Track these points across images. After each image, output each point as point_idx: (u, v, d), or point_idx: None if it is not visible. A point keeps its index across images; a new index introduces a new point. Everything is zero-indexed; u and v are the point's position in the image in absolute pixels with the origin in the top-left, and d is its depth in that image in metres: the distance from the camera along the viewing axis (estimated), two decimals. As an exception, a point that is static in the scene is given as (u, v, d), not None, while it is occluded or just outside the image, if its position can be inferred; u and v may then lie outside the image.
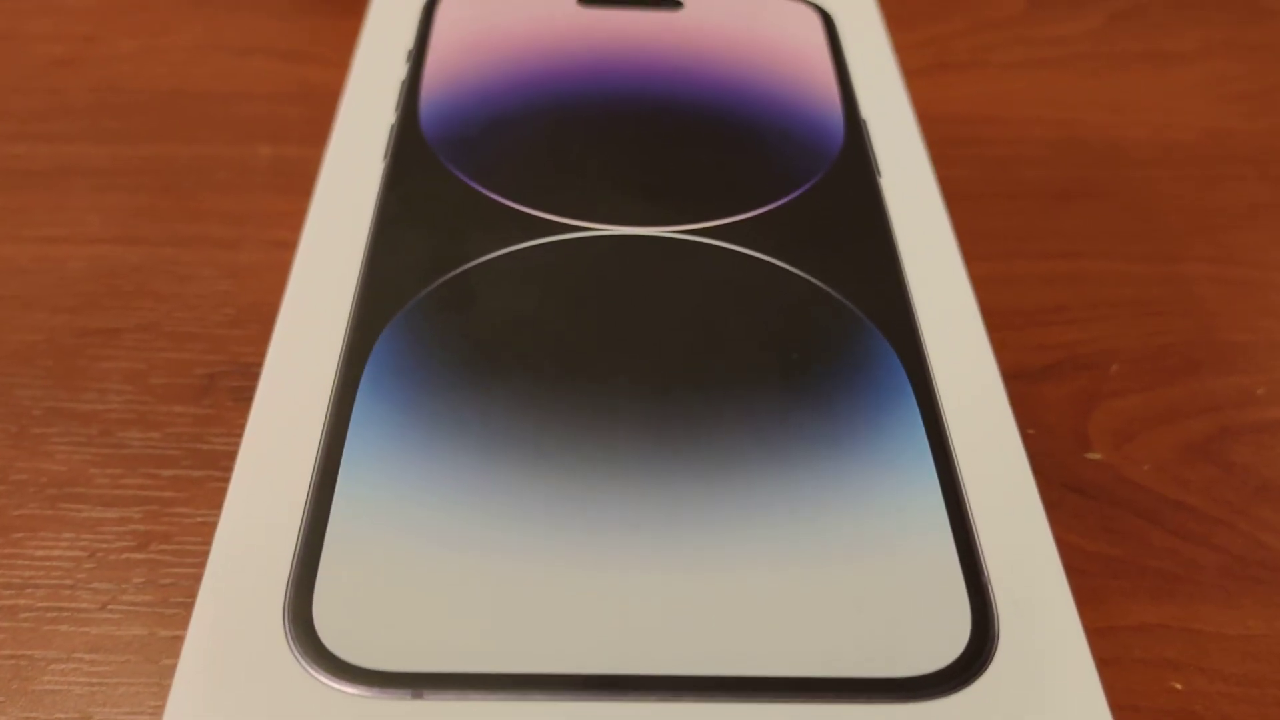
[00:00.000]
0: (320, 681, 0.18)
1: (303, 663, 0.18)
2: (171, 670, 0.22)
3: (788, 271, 0.26)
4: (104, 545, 0.25)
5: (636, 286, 0.25)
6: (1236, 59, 0.43)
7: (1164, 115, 0.40)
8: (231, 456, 0.27)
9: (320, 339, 0.24)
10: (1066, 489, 0.27)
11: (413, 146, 0.29)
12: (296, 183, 0.34)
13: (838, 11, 0.35)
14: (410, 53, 0.32)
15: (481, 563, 0.20)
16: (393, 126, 0.29)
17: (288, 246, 0.33)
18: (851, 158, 0.29)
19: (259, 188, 0.34)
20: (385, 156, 0.28)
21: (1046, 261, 0.34)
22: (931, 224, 0.28)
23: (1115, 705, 0.23)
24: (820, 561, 0.20)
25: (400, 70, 0.31)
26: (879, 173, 0.29)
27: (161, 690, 0.23)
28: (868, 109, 0.31)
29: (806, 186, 0.28)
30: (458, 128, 0.29)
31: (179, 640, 0.24)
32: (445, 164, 0.28)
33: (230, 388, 0.29)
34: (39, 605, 0.24)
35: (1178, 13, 0.45)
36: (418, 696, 0.18)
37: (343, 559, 0.20)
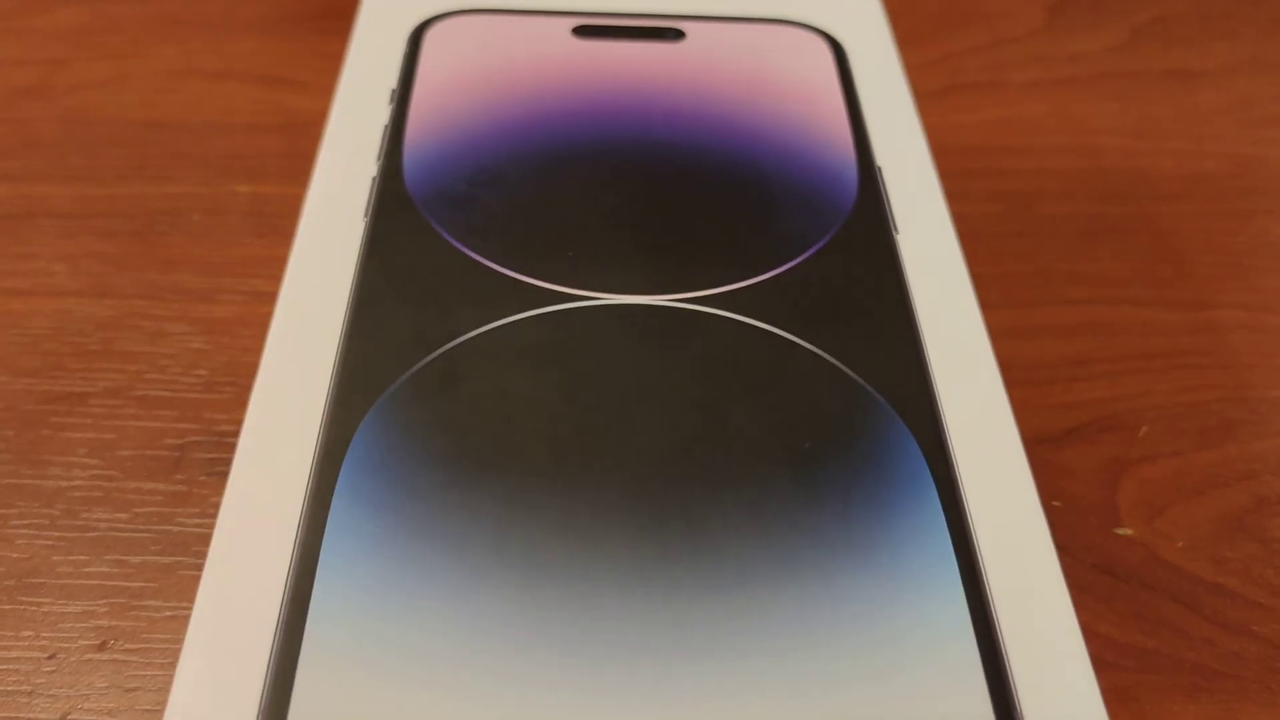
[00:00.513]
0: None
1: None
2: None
3: (798, 346, 0.24)
4: (65, 644, 0.23)
5: (635, 365, 0.24)
6: (1266, 77, 0.40)
7: (1190, 142, 0.38)
8: (204, 540, 0.25)
9: (296, 426, 0.22)
10: (1097, 570, 0.26)
11: (395, 203, 0.27)
12: (275, 224, 0.33)
13: (848, 39, 0.33)
14: (394, 92, 0.30)
15: (468, 688, 0.18)
16: (374, 179, 0.27)
17: (265, 298, 0.31)
18: (866, 213, 0.27)
19: (235, 231, 0.32)
20: (366, 214, 0.26)
21: (1069, 309, 0.32)
22: (951, 286, 0.26)
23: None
24: (835, 686, 0.19)
25: (384, 109, 0.29)
26: (895, 229, 0.27)
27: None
28: (882, 153, 0.29)
29: (818, 246, 0.26)
30: (444, 180, 0.27)
31: (144, 761, 0.22)
32: (430, 222, 0.26)
33: (203, 460, 0.27)
34: (-7, 721, 0.22)
35: (1203, 25, 0.43)
36: None
37: (318, 678, 0.18)
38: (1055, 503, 0.27)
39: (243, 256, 0.32)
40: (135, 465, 0.27)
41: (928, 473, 0.22)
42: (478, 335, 0.24)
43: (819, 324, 0.24)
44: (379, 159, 0.28)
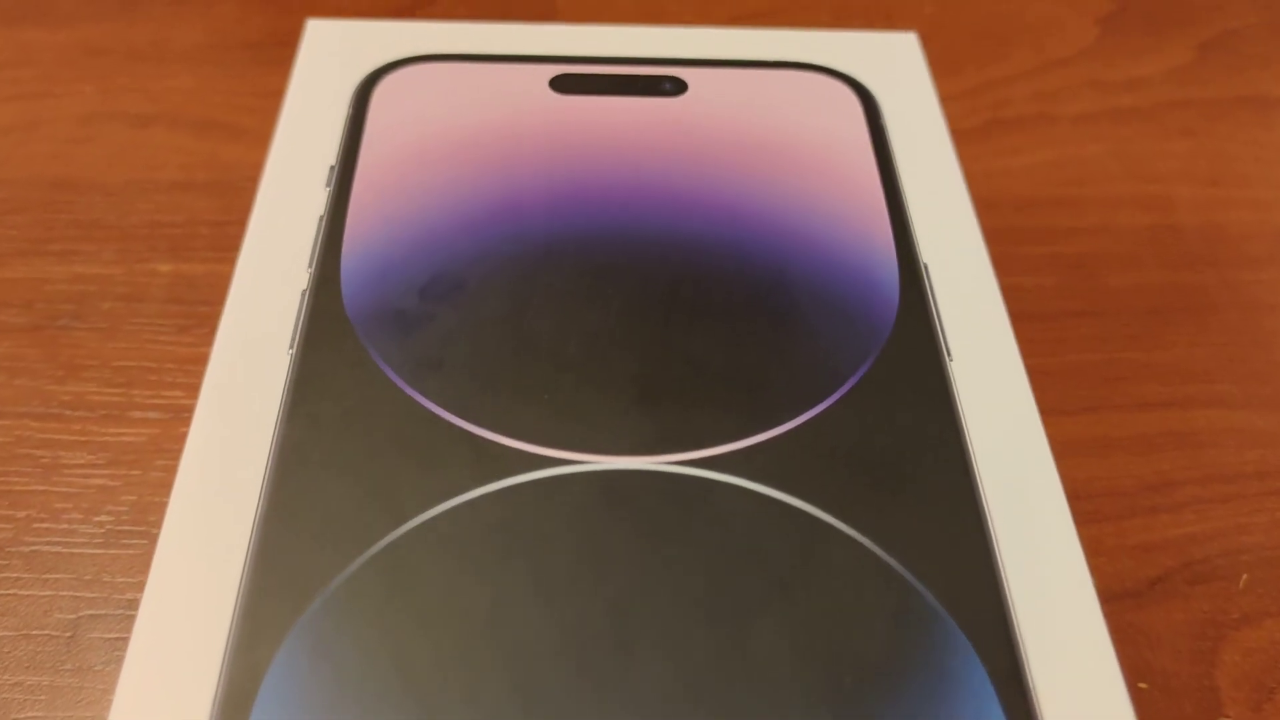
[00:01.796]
0: None
1: None
2: None
3: (832, 529, 0.19)
4: None
5: (630, 556, 0.19)
6: (1355, 107, 0.35)
7: (1273, 189, 0.32)
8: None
9: (192, 663, 0.17)
10: (1196, 781, 0.21)
11: (329, 328, 0.21)
12: (199, 315, 0.27)
13: (880, 86, 0.27)
14: (332, 170, 0.24)
15: None
16: (304, 294, 0.22)
17: (182, 415, 0.26)
18: (910, 332, 0.22)
19: (153, 323, 0.27)
20: (293, 344, 0.21)
21: (1144, 414, 0.26)
22: (1019, 431, 0.21)
23: None
24: None
25: (320, 193, 0.24)
26: (949, 354, 0.21)
27: None
28: (927, 240, 0.24)
29: (852, 382, 0.21)
30: (391, 293, 0.22)
31: None
32: (372, 356, 0.21)
33: (101, 641, 0.22)
34: None
35: (1279, 37, 0.37)
36: None
37: None
38: (1141, 685, 0.22)
39: (160, 357, 0.26)
40: (15, 652, 0.22)
41: (994, 699, 0.17)
42: (430, 519, 0.19)
43: (856, 495, 0.19)
44: (311, 264, 0.22)
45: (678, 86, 0.27)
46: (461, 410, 0.20)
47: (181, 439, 0.25)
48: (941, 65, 0.34)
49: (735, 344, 0.21)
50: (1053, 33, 0.37)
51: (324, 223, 0.23)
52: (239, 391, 0.20)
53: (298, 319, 0.22)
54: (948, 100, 0.34)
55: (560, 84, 0.27)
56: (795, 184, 0.25)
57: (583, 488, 0.19)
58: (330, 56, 0.27)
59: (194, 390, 0.26)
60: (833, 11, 0.37)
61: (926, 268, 0.23)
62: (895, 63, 0.28)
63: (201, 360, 0.27)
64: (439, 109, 0.26)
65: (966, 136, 0.32)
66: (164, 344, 0.27)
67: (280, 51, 0.35)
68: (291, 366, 0.21)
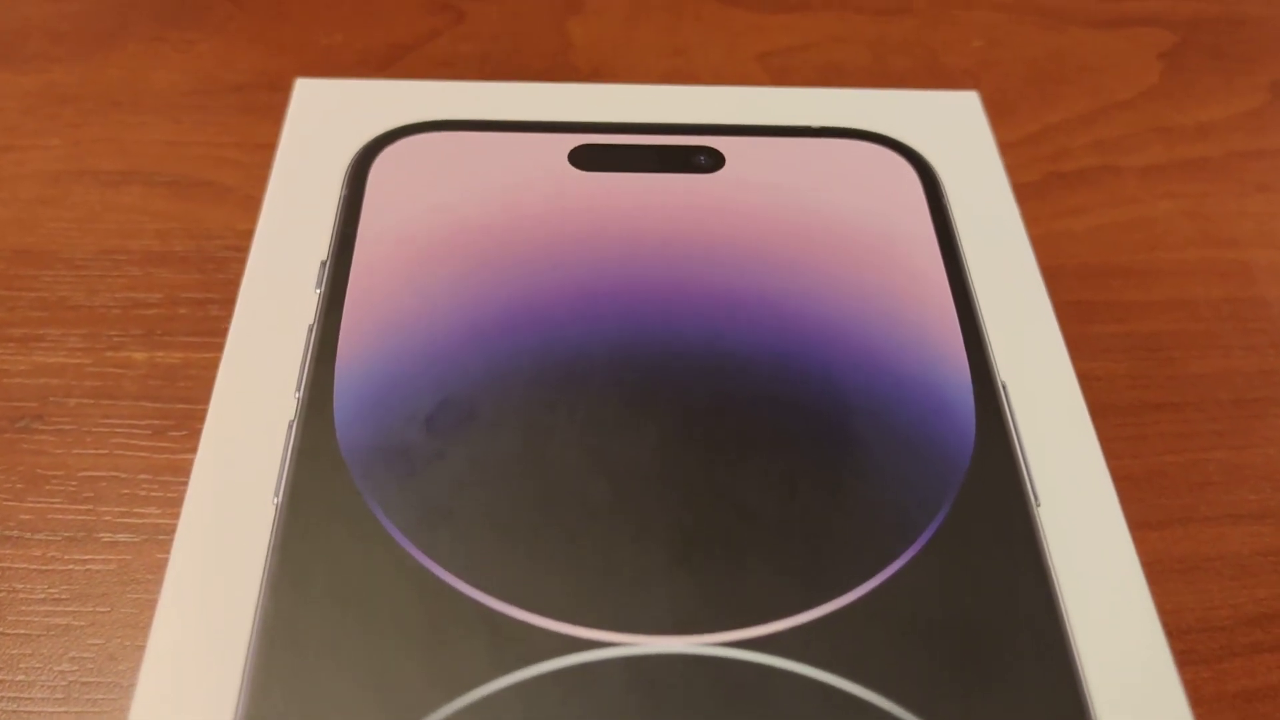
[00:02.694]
0: None
1: None
2: None
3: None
4: None
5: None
6: None
7: (1363, 254, 0.29)
8: None
9: None
10: None
11: (321, 472, 0.18)
12: (176, 414, 0.24)
13: (940, 156, 0.24)
14: (323, 268, 0.21)
15: None
16: (292, 426, 0.19)
17: (157, 537, 0.23)
18: (990, 469, 0.19)
19: (125, 424, 0.24)
20: (277, 493, 0.18)
21: (1236, 527, 0.24)
22: (1122, 590, 0.18)
23: None
24: None
25: (310, 297, 0.21)
26: (1035, 498, 0.18)
27: None
28: (1003, 349, 0.21)
29: (927, 536, 0.18)
30: (392, 428, 0.19)
31: None
32: (371, 508, 0.18)
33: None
34: None
35: (1355, 76, 0.34)
36: None
37: None
38: None
39: (133, 467, 0.24)
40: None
41: None
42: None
43: (936, 683, 0.16)
44: (299, 389, 0.19)
45: (714, 160, 0.24)
46: (475, 576, 0.17)
47: (156, 567, 0.22)
48: (993, 108, 0.31)
49: (789, 487, 0.18)
50: (1111, 71, 0.34)
51: (314, 334, 0.20)
52: (216, 552, 0.18)
53: (284, 459, 0.19)
54: (1003, 147, 0.31)
55: (581, 158, 0.24)
56: (851, 280, 0.22)
57: (617, 679, 0.16)
58: (322, 122, 0.24)
59: (170, 506, 0.23)
60: (870, 46, 0.34)
61: (1005, 387, 0.20)
62: (955, 127, 0.25)
63: (180, 469, 0.24)
64: (444, 191, 0.23)
65: (1023, 193, 0.29)
66: (137, 450, 0.24)
67: (269, 96, 0.31)
68: (277, 522, 0.18)
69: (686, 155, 0.24)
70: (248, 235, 0.24)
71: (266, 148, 0.28)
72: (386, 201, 0.23)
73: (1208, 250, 0.29)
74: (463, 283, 0.21)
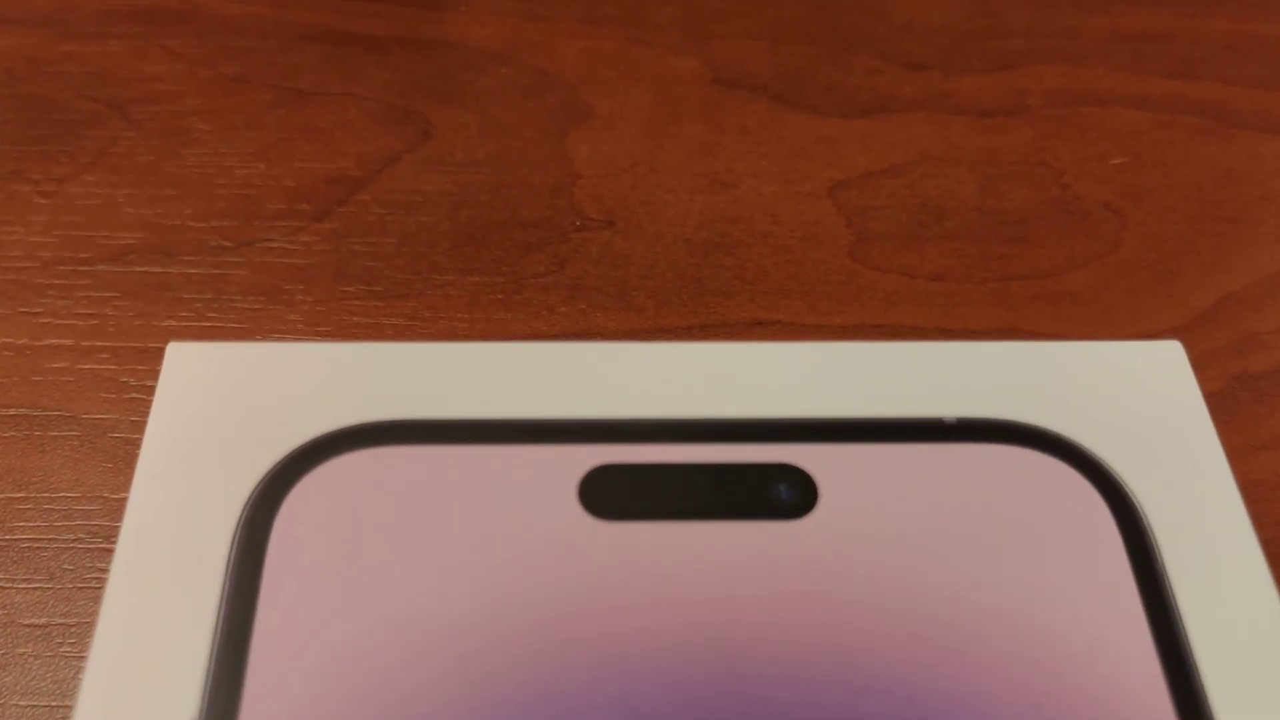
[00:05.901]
0: None
1: None
2: None
3: None
4: None
5: None
6: None
7: None
8: None
9: None
10: None
11: None
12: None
13: (1139, 465, 0.16)
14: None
15: None
16: None
17: None
18: None
19: None
20: None
21: None
22: None
23: None
24: None
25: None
26: None
27: None
28: None
29: None
30: None
31: None
32: None
33: None
34: None
35: None
36: None
37: None
38: None
39: None
40: None
41: None
42: None
43: None
44: None
45: (801, 493, 0.15)
46: None
47: None
48: (1149, 272, 0.22)
49: None
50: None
51: None
52: None
53: None
54: (1162, 338, 0.22)
55: (598, 492, 0.15)
56: (1015, 694, 0.14)
57: None
58: (202, 421, 0.16)
59: None
60: (975, 168, 0.25)
61: None
62: (1149, 402, 0.17)
63: None
64: (387, 565, 0.15)
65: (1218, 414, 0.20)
66: None
67: (160, 269, 0.23)
68: None
69: (760, 485, 0.16)
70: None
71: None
72: (298, 585, 0.15)
73: None
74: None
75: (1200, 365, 0.22)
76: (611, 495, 0.15)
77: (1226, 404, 0.22)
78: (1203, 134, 0.27)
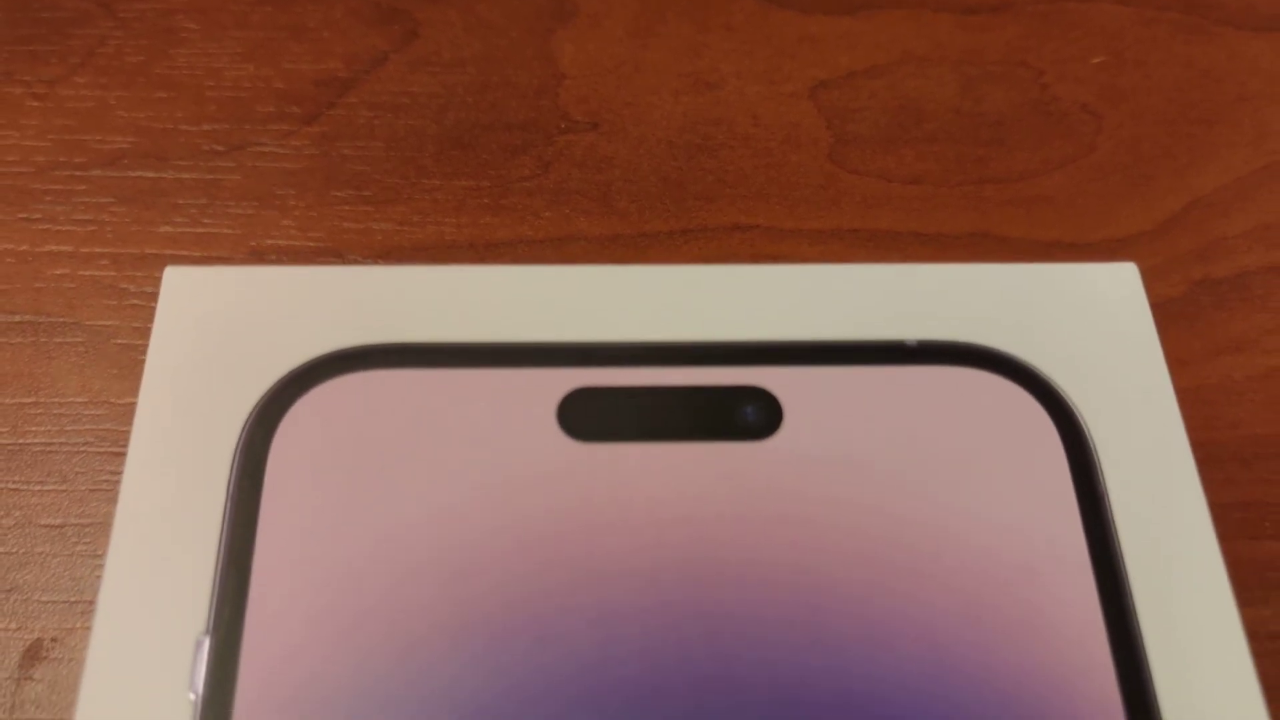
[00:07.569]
0: None
1: None
2: None
3: None
4: None
5: None
6: None
7: None
8: None
9: None
10: None
11: None
12: None
13: (1083, 383, 0.17)
14: (208, 631, 0.15)
15: None
16: None
17: None
18: None
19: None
20: None
21: None
22: None
23: None
24: None
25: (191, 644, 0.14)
26: None
27: None
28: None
29: None
30: None
31: None
32: None
33: None
34: None
35: None
36: None
37: None
38: None
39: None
40: None
41: None
42: None
43: None
44: None
45: (765, 414, 0.16)
46: None
47: None
48: (1121, 175, 0.23)
49: None
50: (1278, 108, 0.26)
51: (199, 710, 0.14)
52: None
53: None
54: (1129, 243, 0.23)
55: (575, 414, 0.16)
56: (963, 606, 0.15)
57: None
58: (201, 344, 0.17)
59: None
60: (957, 68, 0.26)
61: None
62: (1101, 324, 0.18)
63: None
64: (377, 483, 0.16)
65: (1159, 314, 0.21)
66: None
67: (154, 173, 0.23)
68: None
69: (727, 406, 0.17)
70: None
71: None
72: (296, 500, 0.16)
73: None
74: (403, 643, 0.14)
75: (1164, 270, 0.23)
76: (588, 417, 0.16)
77: (1187, 309, 0.23)
78: (1186, 31, 0.27)
